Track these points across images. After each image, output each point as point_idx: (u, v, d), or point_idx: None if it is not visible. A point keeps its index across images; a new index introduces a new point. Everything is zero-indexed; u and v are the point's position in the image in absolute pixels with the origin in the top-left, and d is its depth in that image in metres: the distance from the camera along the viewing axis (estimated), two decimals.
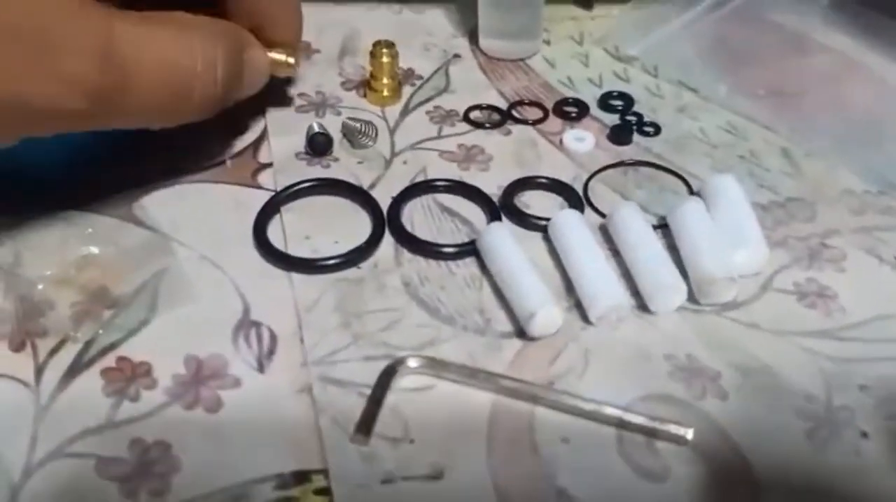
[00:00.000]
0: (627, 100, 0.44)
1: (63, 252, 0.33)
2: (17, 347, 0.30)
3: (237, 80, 0.35)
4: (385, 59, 0.42)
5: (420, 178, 0.38)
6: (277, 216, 0.36)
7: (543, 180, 0.38)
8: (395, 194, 0.37)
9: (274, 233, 0.35)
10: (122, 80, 0.29)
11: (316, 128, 0.40)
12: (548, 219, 0.35)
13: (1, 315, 0.31)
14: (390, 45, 0.43)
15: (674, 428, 0.27)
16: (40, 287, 0.31)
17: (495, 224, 0.34)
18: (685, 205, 0.34)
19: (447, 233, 0.36)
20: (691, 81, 0.46)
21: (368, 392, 0.29)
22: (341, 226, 0.36)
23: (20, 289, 0.31)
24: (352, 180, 0.38)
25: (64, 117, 0.28)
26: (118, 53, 0.29)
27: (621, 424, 0.28)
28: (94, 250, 0.33)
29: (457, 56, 0.48)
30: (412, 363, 0.29)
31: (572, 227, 0.34)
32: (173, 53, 0.31)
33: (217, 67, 0.33)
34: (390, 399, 0.28)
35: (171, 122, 0.33)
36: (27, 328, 0.30)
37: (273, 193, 0.37)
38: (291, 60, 0.39)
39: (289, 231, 0.35)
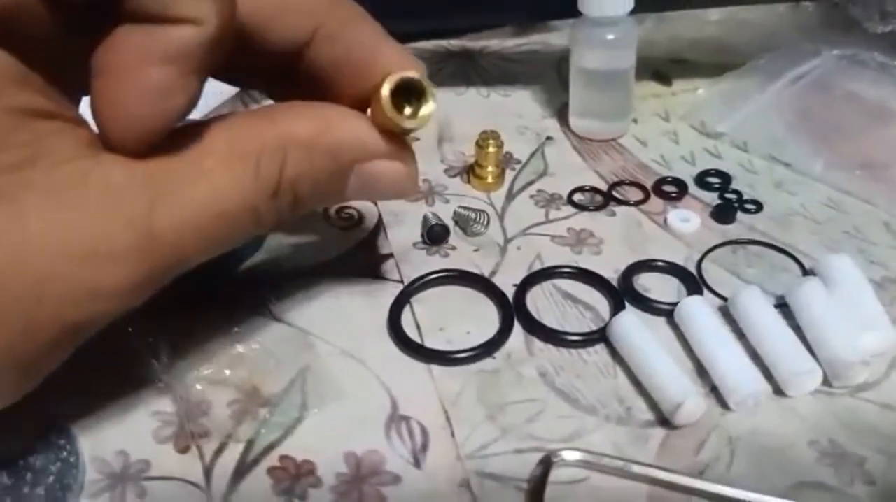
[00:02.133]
0: (724, 177, 0.46)
1: (213, 351, 0.34)
2: (183, 449, 0.31)
3: (325, 195, 0.29)
4: (492, 149, 0.44)
5: (536, 263, 0.40)
6: (408, 307, 0.37)
7: (660, 263, 0.39)
8: (515, 282, 0.38)
9: (406, 325, 0.36)
10: (174, 256, 0.25)
11: (432, 219, 0.41)
12: (670, 304, 0.36)
13: (165, 417, 0.32)
14: (496, 135, 0.44)
15: None
16: (199, 387, 0.32)
17: (624, 313, 0.35)
18: (805, 285, 0.35)
19: (572, 320, 0.37)
20: (783, 156, 0.47)
21: (524, 485, 0.30)
22: (471, 315, 0.37)
23: (179, 391, 0.32)
24: (472, 268, 0.39)
25: (126, 310, 0.25)
26: (159, 236, 0.24)
27: None
28: (241, 349, 0.35)
29: (550, 138, 0.50)
30: (568, 456, 0.30)
31: (700, 313, 0.35)
32: (219, 195, 0.25)
33: (281, 194, 0.27)
34: (548, 491, 0.29)
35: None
36: (191, 429, 0.32)
37: (398, 284, 0.38)
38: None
39: (422, 323, 0.36)
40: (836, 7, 0.53)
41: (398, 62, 0.28)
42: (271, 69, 0.30)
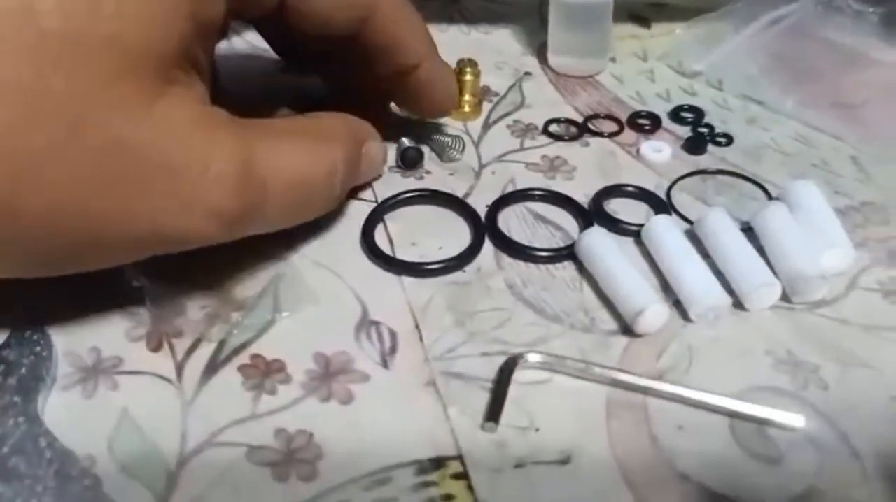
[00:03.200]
0: (698, 112, 0.46)
1: (188, 258, 0.34)
2: (155, 347, 0.32)
3: (355, 176, 0.36)
4: (469, 77, 0.44)
5: (509, 187, 0.40)
6: (381, 225, 0.38)
7: (630, 188, 0.40)
8: (488, 203, 0.39)
9: (379, 241, 0.37)
10: (259, 204, 0.29)
11: (406, 143, 0.42)
12: (639, 225, 0.37)
13: (138, 318, 0.33)
14: (474, 63, 0.45)
15: (785, 417, 0.29)
16: (173, 290, 0.33)
17: (593, 228, 0.36)
18: (770, 207, 0.36)
19: (543, 239, 0.37)
20: (757, 95, 0.48)
21: (489, 385, 0.30)
22: (443, 232, 0.37)
23: (153, 293, 0.33)
24: (447, 190, 0.40)
25: (202, 243, 0.28)
26: (257, 176, 0.28)
27: (733, 413, 0.30)
28: (215, 256, 0.35)
29: (528, 73, 0.50)
30: (532, 358, 0.31)
31: (666, 231, 0.36)
32: (303, 167, 0.31)
33: (338, 172, 0.33)
34: (512, 391, 0.30)
35: (287, 226, 0.33)
36: (163, 329, 0.32)
37: (373, 203, 0.39)
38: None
39: (395, 238, 0.37)
40: None
41: (426, 55, 0.38)
42: (316, 48, 0.38)
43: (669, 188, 0.41)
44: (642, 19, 0.56)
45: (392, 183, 0.41)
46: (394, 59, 0.37)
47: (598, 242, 0.35)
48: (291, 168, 0.30)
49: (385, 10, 0.35)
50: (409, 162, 0.41)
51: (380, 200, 0.39)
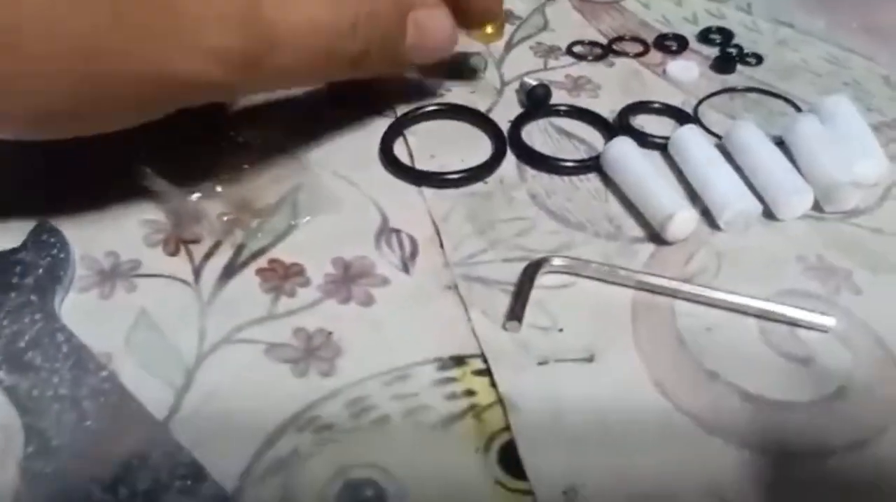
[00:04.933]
0: (726, 34, 0.45)
1: (208, 167, 0.34)
2: (173, 251, 0.31)
3: (391, 41, 0.32)
4: None
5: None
6: (401, 139, 0.37)
7: (656, 105, 0.39)
8: (511, 118, 0.38)
9: (400, 154, 0.36)
10: (267, 48, 0.27)
11: (531, 82, 0.39)
12: (665, 138, 0.36)
13: (156, 225, 0.32)
14: None
15: (816, 317, 0.28)
16: (193, 197, 0.32)
17: (619, 138, 0.35)
18: (802, 120, 0.35)
19: (567, 153, 0.37)
20: (786, 17, 0.46)
21: (511, 289, 0.30)
22: (464, 145, 0.37)
23: (172, 201, 0.32)
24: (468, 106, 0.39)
25: (209, 89, 0.27)
26: (263, 19, 0.27)
27: (763, 314, 0.29)
28: (236, 165, 0.34)
29: None
30: (555, 261, 0.30)
31: (694, 141, 0.35)
32: (317, 12, 0.29)
33: (359, 25, 0.30)
34: (534, 295, 0.29)
35: (313, 84, 0.32)
36: (181, 235, 0.32)
37: (393, 117, 0.38)
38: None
39: (415, 151, 0.36)
40: None
41: None
42: None
43: (697, 105, 0.40)
44: None
45: (412, 96, 0.40)
46: None
47: (624, 152, 0.34)
48: (304, 11, 0.28)
49: None
50: (536, 101, 0.39)
51: (399, 114, 0.38)
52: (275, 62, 0.28)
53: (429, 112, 0.38)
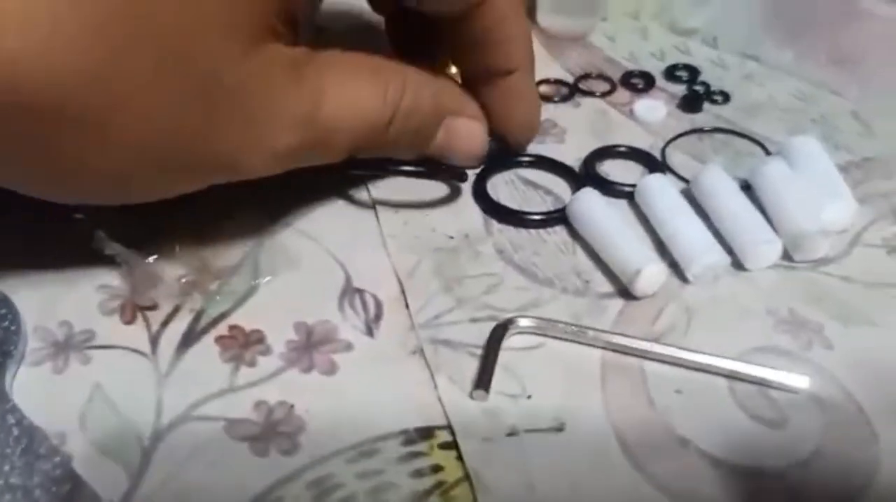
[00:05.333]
0: (693, 71, 0.45)
1: (162, 227, 0.33)
2: (129, 319, 0.30)
3: (420, 138, 0.34)
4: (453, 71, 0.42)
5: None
6: (364, 189, 0.36)
7: (622, 149, 0.39)
8: (475, 170, 0.37)
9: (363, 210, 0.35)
10: (323, 142, 0.30)
11: None
12: (632, 186, 0.36)
13: (112, 291, 0.31)
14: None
15: (788, 377, 0.28)
16: (150, 260, 0.31)
17: (585, 190, 0.34)
18: (769, 163, 0.35)
19: (533, 205, 0.36)
20: (753, 51, 0.46)
21: (479, 352, 0.29)
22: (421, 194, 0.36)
23: (128, 265, 0.31)
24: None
25: (256, 174, 0.29)
26: (323, 119, 0.29)
27: (733, 375, 0.28)
28: (192, 225, 0.34)
29: None
30: (523, 322, 0.29)
31: (661, 190, 0.34)
32: (367, 103, 0.30)
33: (396, 114, 0.31)
34: (502, 357, 0.29)
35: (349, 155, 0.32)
36: (138, 301, 0.31)
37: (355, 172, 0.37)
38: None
39: (379, 209, 0.36)
40: None
41: (523, 65, 0.35)
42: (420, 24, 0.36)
43: (664, 147, 0.39)
44: None
45: None
46: (491, 57, 0.34)
47: (590, 204, 0.34)
48: (357, 106, 0.30)
49: (500, 3, 0.33)
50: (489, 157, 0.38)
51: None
52: (326, 153, 0.30)
53: (389, 167, 0.37)
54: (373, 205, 0.36)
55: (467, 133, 0.34)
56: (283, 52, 0.28)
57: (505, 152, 0.37)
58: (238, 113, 0.27)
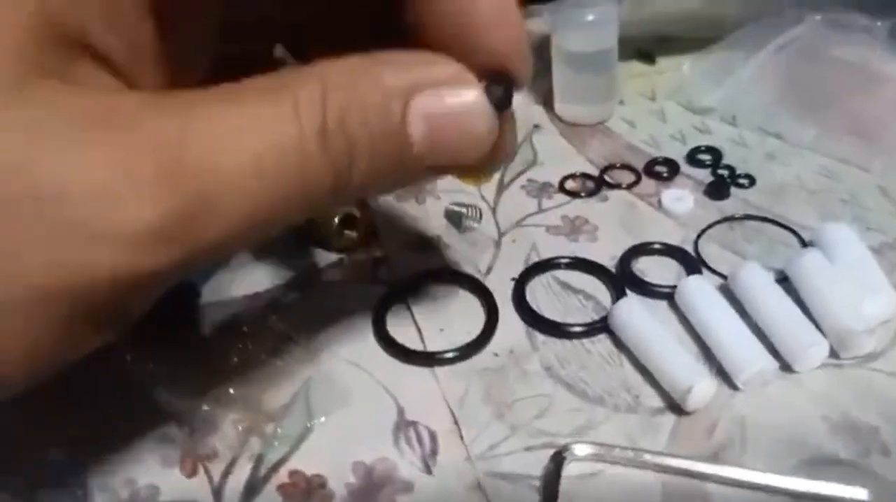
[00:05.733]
0: (715, 153, 0.45)
1: (214, 371, 0.34)
2: (190, 472, 0.31)
3: (387, 143, 0.22)
4: None
5: (532, 255, 0.39)
6: (406, 310, 0.37)
7: (657, 246, 0.39)
8: (513, 275, 0.38)
9: (408, 328, 0.36)
10: (198, 211, 0.19)
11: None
12: (669, 287, 0.36)
13: (171, 444, 0.32)
14: None
15: (848, 492, 0.28)
16: (204, 408, 0.32)
17: (625, 301, 0.35)
18: (805, 258, 0.35)
19: (573, 311, 0.36)
20: (773, 127, 0.47)
21: (537, 483, 0.29)
22: (471, 314, 0.36)
23: (184, 414, 0.32)
24: (468, 265, 0.39)
25: (131, 278, 0.19)
26: (187, 174, 0.19)
27: (794, 493, 0.28)
28: (241, 365, 0.34)
29: (537, 126, 0.49)
30: (579, 451, 0.30)
31: (701, 294, 0.35)
32: (263, 133, 0.20)
33: (330, 131, 0.21)
34: (561, 487, 0.29)
35: (288, 224, 0.22)
36: (197, 452, 0.31)
37: (388, 287, 0.38)
38: None
39: (423, 327, 0.36)
40: None
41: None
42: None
43: (696, 240, 0.40)
44: (647, 55, 0.55)
45: (410, 262, 0.39)
46: None
47: (631, 314, 0.34)
48: (243, 145, 0.20)
49: None
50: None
51: (397, 282, 0.38)
52: (214, 225, 0.19)
53: (423, 278, 0.38)
54: (416, 325, 0.36)
55: (453, 110, 0.22)
56: (72, 102, 0.19)
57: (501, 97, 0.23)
58: (23, 199, 0.18)
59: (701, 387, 0.31)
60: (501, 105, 0.23)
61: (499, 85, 0.23)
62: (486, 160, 0.24)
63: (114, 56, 0.21)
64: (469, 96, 0.23)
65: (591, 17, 0.45)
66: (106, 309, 0.19)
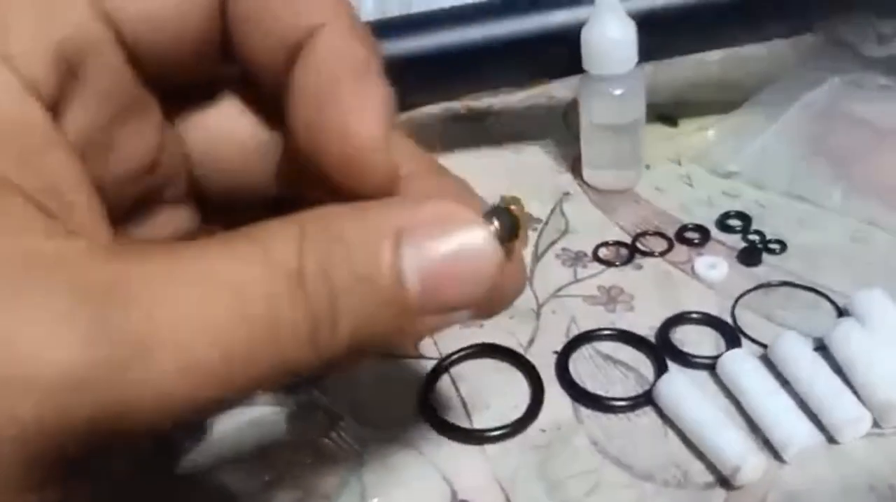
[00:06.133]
0: (745, 218, 0.46)
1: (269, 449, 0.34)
2: None
3: (374, 292, 0.19)
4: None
5: (572, 327, 0.40)
6: (451, 385, 0.38)
7: (694, 315, 0.40)
8: (554, 348, 0.39)
9: (454, 404, 0.36)
10: (133, 357, 0.16)
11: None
12: (710, 357, 0.37)
13: None
14: (517, 200, 0.45)
15: None
16: (266, 478, 0.33)
17: (668, 376, 0.35)
18: (842, 327, 0.36)
19: (616, 382, 0.37)
20: (800, 190, 0.47)
21: None
22: (516, 388, 0.37)
23: (241, 494, 0.33)
24: (509, 337, 0.40)
25: (65, 427, 0.16)
26: (122, 332, 0.16)
27: None
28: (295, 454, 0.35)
29: (567, 194, 0.50)
30: None
31: (742, 367, 0.35)
32: (234, 277, 0.17)
33: (311, 283, 0.18)
34: None
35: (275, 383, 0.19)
36: None
37: (435, 362, 0.39)
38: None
39: (469, 404, 0.37)
40: (833, 34, 0.54)
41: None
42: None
43: (733, 308, 0.40)
44: (669, 118, 0.56)
45: (453, 334, 0.40)
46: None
47: (675, 390, 0.35)
48: (185, 305, 0.17)
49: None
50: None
51: (441, 356, 0.39)
52: (151, 381, 0.16)
53: (468, 355, 0.39)
54: (462, 401, 0.37)
55: (450, 241, 0.19)
56: (16, 239, 0.17)
57: None
58: None
59: (750, 464, 0.31)
60: (506, 236, 0.21)
61: (499, 216, 0.21)
62: (496, 300, 0.23)
63: (44, 198, 0.18)
64: (470, 234, 0.20)
65: (618, 92, 0.46)
66: (41, 461, 0.16)
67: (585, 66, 0.46)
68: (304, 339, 0.18)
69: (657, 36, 0.47)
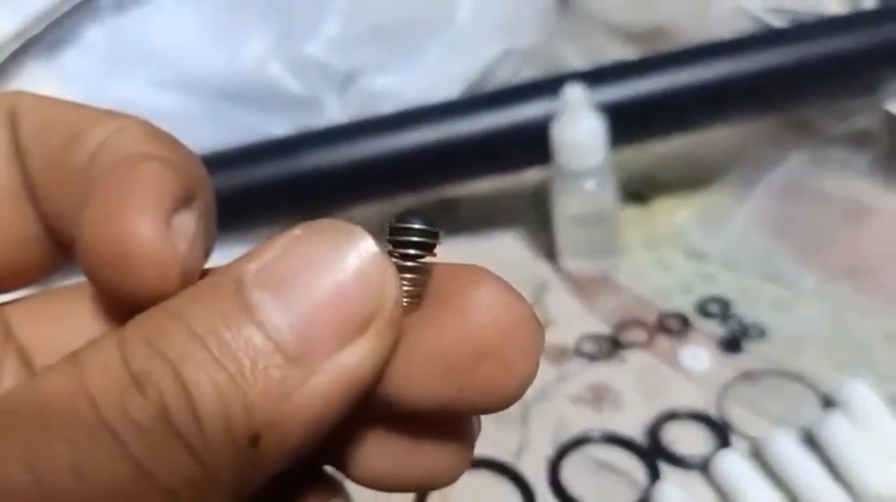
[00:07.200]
0: (723, 303, 0.47)
1: None
2: None
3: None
4: None
5: (560, 432, 0.40)
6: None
7: (682, 414, 0.40)
8: (545, 453, 0.38)
9: None
10: None
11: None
12: (701, 457, 0.37)
13: None
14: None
15: None
16: None
17: (662, 491, 0.35)
18: (829, 422, 0.36)
19: (609, 489, 0.37)
20: (773, 274, 0.48)
21: None
22: None
23: None
24: (496, 446, 0.39)
25: None
26: None
27: None
28: None
29: (545, 284, 0.50)
30: None
31: (735, 469, 0.35)
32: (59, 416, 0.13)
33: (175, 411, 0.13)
34: None
35: None
36: None
37: None
38: None
39: None
40: (795, 113, 0.55)
41: None
42: None
43: (720, 400, 0.40)
44: (638, 196, 0.57)
45: None
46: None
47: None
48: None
49: None
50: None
51: None
52: None
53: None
54: None
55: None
56: None
57: None
58: None
59: None
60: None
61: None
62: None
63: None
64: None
65: (590, 184, 0.46)
66: None
67: (556, 160, 0.47)
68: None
69: (625, 124, 0.47)
